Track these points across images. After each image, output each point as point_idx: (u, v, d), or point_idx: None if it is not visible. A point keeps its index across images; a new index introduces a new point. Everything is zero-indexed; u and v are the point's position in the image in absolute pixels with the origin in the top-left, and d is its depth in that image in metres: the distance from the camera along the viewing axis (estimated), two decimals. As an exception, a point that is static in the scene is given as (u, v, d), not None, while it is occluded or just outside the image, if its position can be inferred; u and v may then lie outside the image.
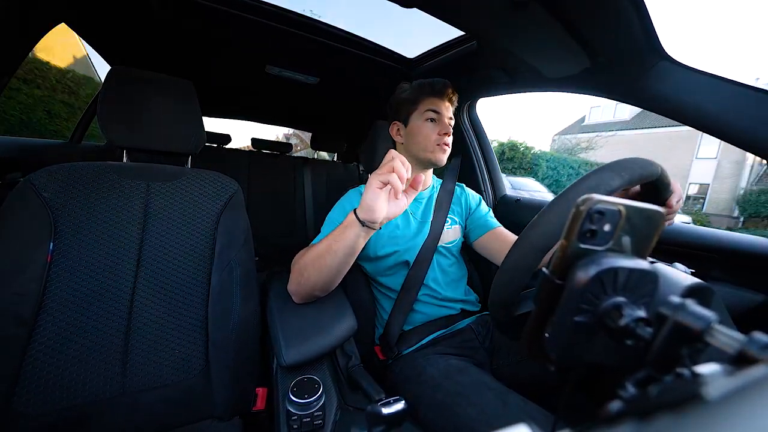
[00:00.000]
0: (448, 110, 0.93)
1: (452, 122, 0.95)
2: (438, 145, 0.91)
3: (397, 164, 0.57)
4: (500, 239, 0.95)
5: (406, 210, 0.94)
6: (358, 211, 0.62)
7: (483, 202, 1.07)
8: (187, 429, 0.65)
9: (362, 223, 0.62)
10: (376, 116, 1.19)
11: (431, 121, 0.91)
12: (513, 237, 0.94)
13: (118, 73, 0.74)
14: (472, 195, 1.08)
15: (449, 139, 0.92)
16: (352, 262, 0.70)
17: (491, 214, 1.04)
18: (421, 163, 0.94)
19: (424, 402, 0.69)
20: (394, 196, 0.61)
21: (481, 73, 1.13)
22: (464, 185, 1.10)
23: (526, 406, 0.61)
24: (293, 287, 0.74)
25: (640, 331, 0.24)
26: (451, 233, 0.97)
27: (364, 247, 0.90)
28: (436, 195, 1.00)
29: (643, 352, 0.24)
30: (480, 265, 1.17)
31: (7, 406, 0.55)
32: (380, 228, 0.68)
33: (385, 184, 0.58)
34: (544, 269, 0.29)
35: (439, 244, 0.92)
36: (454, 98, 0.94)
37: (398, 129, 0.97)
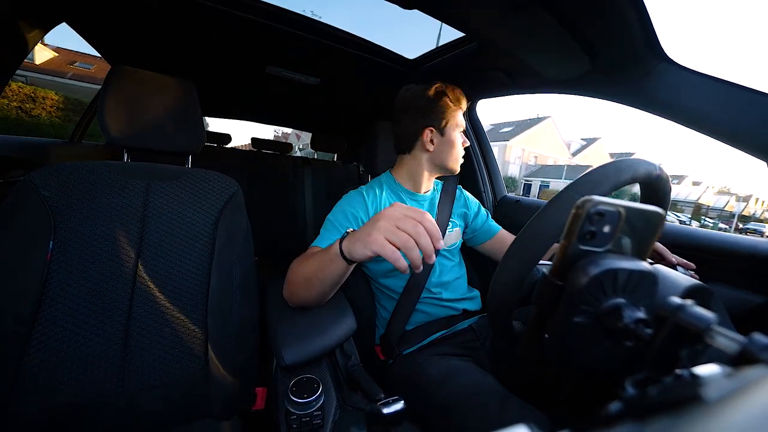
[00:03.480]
0: None
1: None
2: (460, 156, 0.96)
3: (425, 241, 0.47)
4: (504, 243, 1.01)
5: None
6: (345, 246, 0.56)
7: (481, 207, 1.09)
8: (186, 428, 0.65)
9: (348, 261, 0.57)
10: (377, 117, 1.19)
11: (459, 133, 0.94)
12: (510, 238, 1.00)
13: (119, 73, 0.74)
14: (472, 199, 1.10)
15: None
16: (341, 284, 0.69)
17: (491, 218, 1.08)
18: (442, 171, 0.96)
19: (423, 403, 0.69)
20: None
21: (481, 75, 1.13)
22: (461, 187, 1.11)
23: (524, 409, 0.60)
24: (286, 296, 0.73)
25: (640, 332, 0.24)
26: (453, 236, 0.98)
27: None
28: (438, 197, 1.00)
29: (642, 353, 0.24)
30: (480, 264, 1.18)
31: (6, 404, 0.55)
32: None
33: (395, 245, 0.48)
34: (544, 270, 0.29)
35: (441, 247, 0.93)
36: None
37: (432, 137, 0.91)
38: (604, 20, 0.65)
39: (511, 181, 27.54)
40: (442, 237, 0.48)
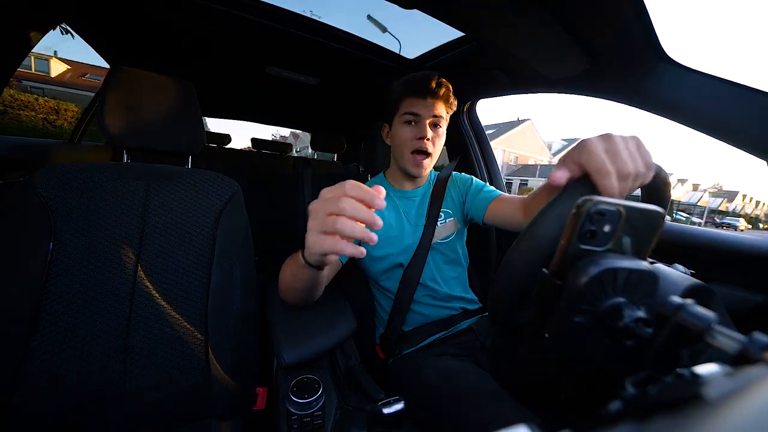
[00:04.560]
0: (430, 109, 0.82)
1: (441, 122, 0.86)
2: (413, 153, 0.84)
3: (353, 211, 0.40)
4: (507, 202, 0.86)
5: (399, 210, 0.92)
6: (306, 255, 0.53)
7: (475, 180, 0.99)
8: (187, 427, 0.65)
9: (315, 267, 0.55)
10: (376, 117, 1.19)
11: (409, 123, 0.84)
12: (517, 198, 0.85)
13: (118, 73, 0.74)
14: (462, 179, 0.99)
15: (429, 145, 0.83)
16: (324, 283, 0.68)
17: (488, 186, 0.97)
18: (404, 174, 0.91)
19: (421, 403, 0.69)
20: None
21: (481, 74, 1.13)
22: (455, 172, 1.03)
23: (522, 410, 0.60)
24: (281, 296, 0.72)
25: (640, 331, 0.24)
26: (444, 229, 0.93)
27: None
28: (431, 191, 0.96)
29: (643, 352, 0.24)
30: (479, 263, 1.17)
31: (7, 404, 0.55)
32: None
33: (330, 233, 0.42)
34: (544, 270, 0.29)
35: (433, 241, 0.90)
36: (442, 92, 0.83)
37: (387, 132, 0.91)
38: (604, 19, 0.65)
39: (491, 181, 31.66)
40: (379, 194, 0.42)
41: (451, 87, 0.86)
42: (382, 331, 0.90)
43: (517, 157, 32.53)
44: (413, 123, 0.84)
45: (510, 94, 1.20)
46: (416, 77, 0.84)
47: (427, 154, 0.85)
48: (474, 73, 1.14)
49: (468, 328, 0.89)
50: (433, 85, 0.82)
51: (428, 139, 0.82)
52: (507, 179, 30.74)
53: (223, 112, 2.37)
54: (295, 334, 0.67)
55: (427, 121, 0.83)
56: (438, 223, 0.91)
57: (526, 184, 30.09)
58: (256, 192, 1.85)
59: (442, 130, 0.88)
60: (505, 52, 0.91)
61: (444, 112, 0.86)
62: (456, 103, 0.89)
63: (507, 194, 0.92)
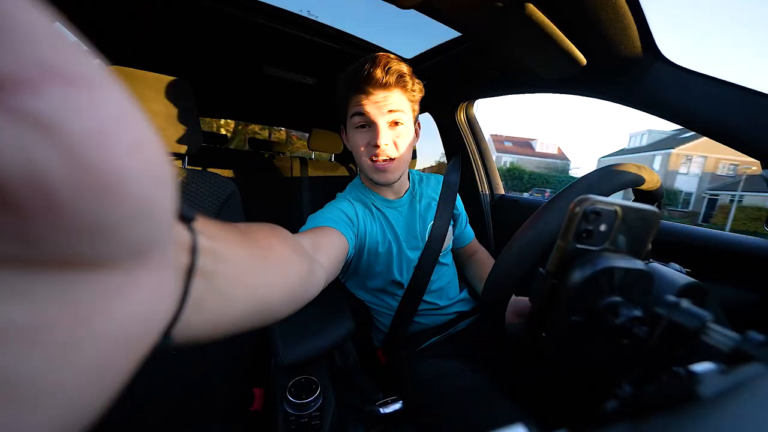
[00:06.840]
0: (382, 105, 0.67)
1: (402, 117, 0.70)
2: (372, 160, 0.70)
3: None
4: (472, 248, 1.00)
5: (390, 223, 0.82)
6: None
7: (464, 211, 1.01)
8: (184, 428, 0.65)
9: None
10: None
11: (362, 127, 0.70)
12: (481, 249, 1.01)
13: (115, 73, 0.73)
14: (458, 200, 0.99)
15: (389, 150, 0.69)
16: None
17: (468, 224, 1.02)
18: (372, 182, 0.78)
19: (419, 403, 0.69)
20: None
21: (478, 74, 1.13)
22: None
23: (519, 409, 0.60)
24: None
25: (636, 330, 0.24)
26: (450, 235, 0.91)
27: (356, 269, 0.83)
28: (416, 200, 0.87)
29: (638, 351, 0.24)
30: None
31: None
32: None
33: None
34: (540, 269, 0.29)
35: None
36: (395, 79, 0.67)
37: (345, 137, 0.76)
38: (600, 19, 0.65)
39: (674, 195, 22.83)
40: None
41: (408, 69, 0.71)
42: (381, 338, 0.89)
43: (737, 166, 23.55)
44: (366, 126, 0.70)
45: (507, 95, 1.20)
46: (356, 68, 0.67)
47: (390, 159, 0.71)
48: (471, 73, 1.14)
49: (465, 329, 0.89)
50: (378, 73, 0.65)
51: (386, 145, 0.69)
52: (711, 194, 21.74)
53: (221, 113, 2.36)
54: (293, 334, 0.67)
55: (383, 121, 0.68)
56: (448, 230, 0.87)
57: (741, 201, 18.85)
58: (253, 192, 1.85)
59: (405, 128, 0.72)
60: (502, 52, 0.91)
61: (404, 103, 0.70)
62: (422, 87, 0.76)
63: (476, 242, 1.02)
